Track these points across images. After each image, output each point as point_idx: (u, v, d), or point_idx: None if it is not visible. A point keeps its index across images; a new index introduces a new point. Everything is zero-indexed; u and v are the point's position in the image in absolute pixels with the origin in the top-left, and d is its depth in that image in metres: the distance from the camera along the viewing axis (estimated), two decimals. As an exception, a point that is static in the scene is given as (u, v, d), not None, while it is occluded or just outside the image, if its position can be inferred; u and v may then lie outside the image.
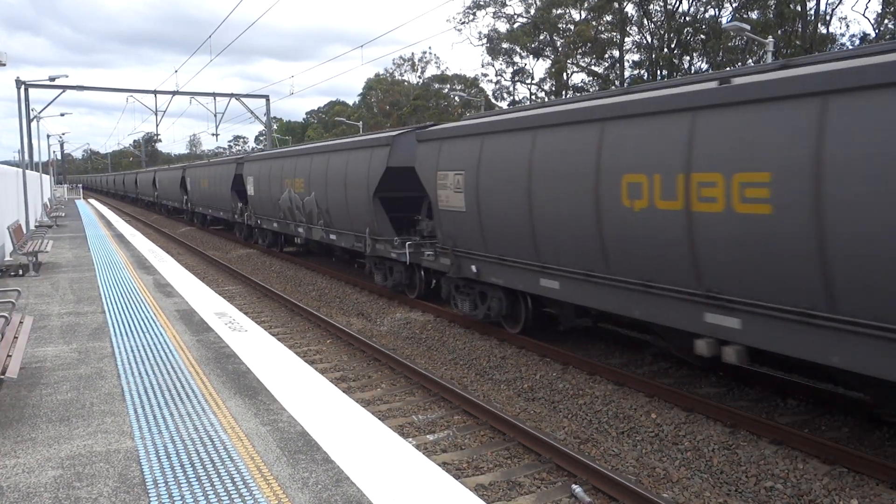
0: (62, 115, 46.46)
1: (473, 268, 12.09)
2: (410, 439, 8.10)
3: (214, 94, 37.96)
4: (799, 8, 41.30)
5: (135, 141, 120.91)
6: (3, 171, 19.21)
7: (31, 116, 32.22)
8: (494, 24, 61.76)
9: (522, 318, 11.74)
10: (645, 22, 50.92)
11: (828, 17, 43.01)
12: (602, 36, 53.14)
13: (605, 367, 9.89)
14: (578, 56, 55.48)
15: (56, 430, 5.52)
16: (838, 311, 6.40)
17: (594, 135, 9.07)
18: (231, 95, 38.28)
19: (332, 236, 18.50)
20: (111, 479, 4.61)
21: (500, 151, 10.93)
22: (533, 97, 62.25)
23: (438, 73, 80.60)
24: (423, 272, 15.06)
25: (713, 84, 7.62)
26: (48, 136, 63.27)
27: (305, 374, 6.98)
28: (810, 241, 6.47)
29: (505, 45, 60.34)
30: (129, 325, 9.29)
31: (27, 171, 25.14)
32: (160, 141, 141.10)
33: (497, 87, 65.82)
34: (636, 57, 53.86)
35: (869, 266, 6.05)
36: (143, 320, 9.62)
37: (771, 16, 42.08)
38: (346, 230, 17.54)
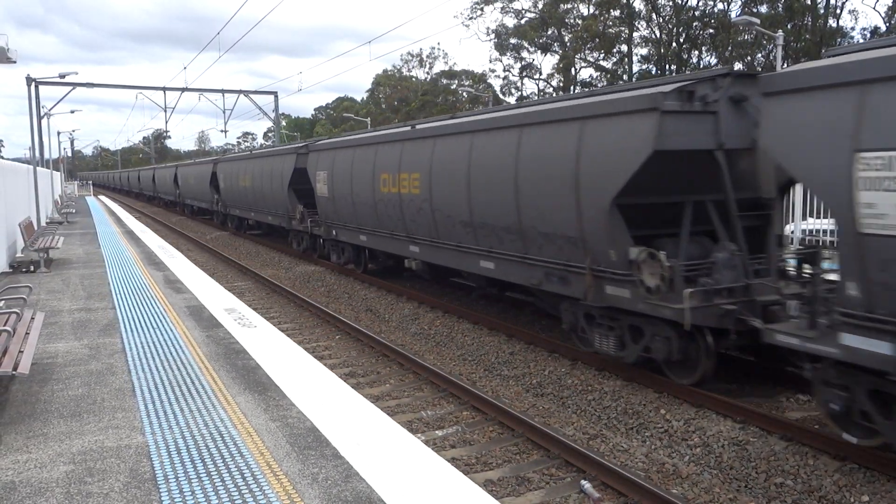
0: (72, 112, 46.75)
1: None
2: (419, 435, 8.11)
3: (223, 91, 38.08)
4: (808, 2, 41.00)
5: (144, 138, 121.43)
6: (14, 168, 19.33)
7: (42, 114, 32.39)
8: (502, 20, 61.69)
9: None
10: (653, 16, 50.68)
11: (838, 11, 42.71)
12: (610, 31, 52.94)
13: (614, 363, 9.87)
14: (586, 51, 55.29)
15: (67, 426, 5.56)
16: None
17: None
18: (240, 92, 38.40)
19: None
20: (122, 474, 4.64)
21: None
22: (541, 92, 62.11)
23: (446, 68, 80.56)
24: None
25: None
26: (58, 133, 63.67)
27: (314, 369, 7.00)
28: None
29: (513, 41, 60.29)
30: (140, 322, 9.34)
31: (38, 168, 25.28)
32: (170, 137, 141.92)
33: (505, 82, 65.80)
34: (644, 51, 53.68)
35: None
36: (153, 316, 9.66)
37: (780, 10, 41.80)
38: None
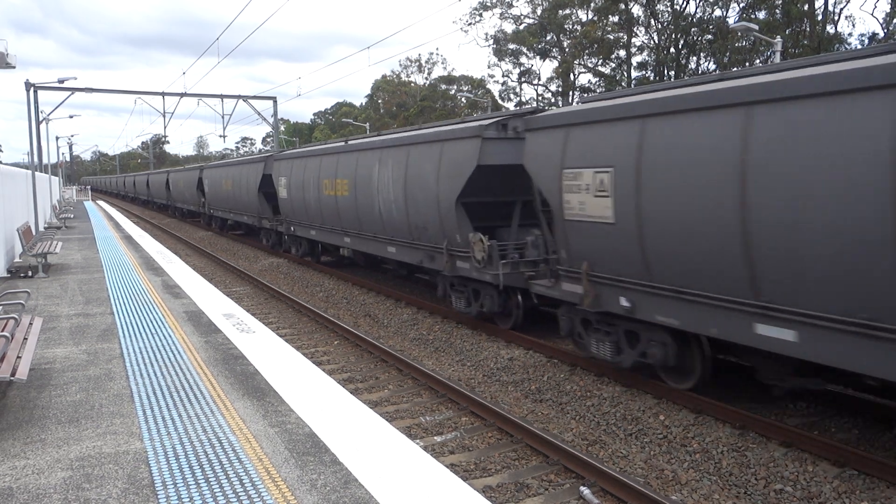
0: (71, 117, 46.77)
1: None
2: (418, 441, 8.09)
3: (222, 96, 38.05)
4: (806, 7, 41.11)
5: (143, 142, 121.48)
6: (13, 173, 19.32)
7: (41, 118, 32.39)
8: (501, 25, 61.82)
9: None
10: (652, 22, 50.80)
11: (835, 17, 42.82)
12: (608, 37, 53.04)
13: (612, 369, 9.86)
14: (585, 57, 55.39)
15: (65, 432, 5.54)
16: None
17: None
18: (238, 97, 38.37)
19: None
20: (120, 480, 4.63)
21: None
22: (540, 98, 62.20)
23: (445, 74, 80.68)
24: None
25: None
26: (57, 138, 63.62)
27: (313, 375, 6.99)
28: None
29: (511, 46, 60.37)
30: (138, 327, 9.32)
31: (36, 173, 25.26)
32: (168, 143, 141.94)
33: (504, 87, 65.91)
34: (643, 57, 53.76)
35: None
36: (151, 322, 9.65)
37: (778, 15, 41.90)
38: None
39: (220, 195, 32.44)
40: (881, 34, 41.52)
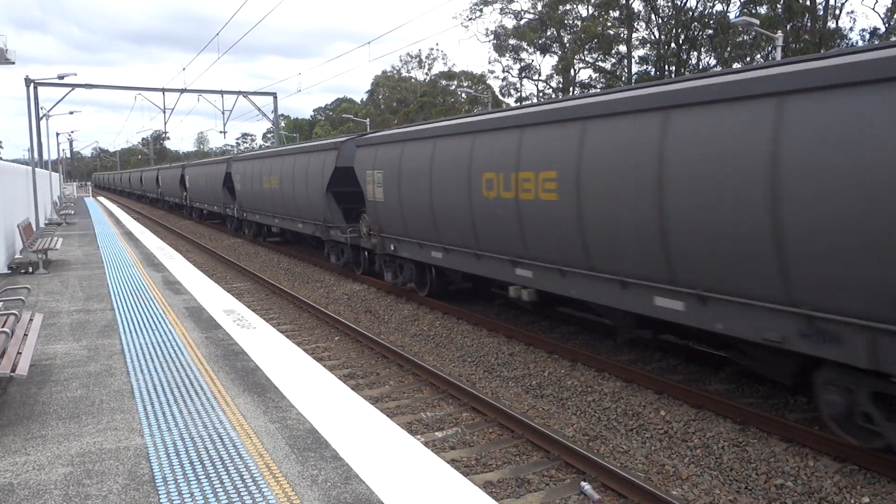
0: (71, 113, 46.73)
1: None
2: (419, 436, 8.09)
3: (222, 92, 38.04)
4: (808, 3, 41.03)
5: (143, 139, 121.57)
6: (13, 170, 19.31)
7: (41, 115, 32.37)
8: (501, 21, 61.75)
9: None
10: (652, 17, 50.72)
11: (837, 12, 42.74)
12: (609, 32, 52.97)
13: (613, 364, 9.86)
14: (585, 52, 55.32)
15: (66, 428, 5.54)
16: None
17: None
18: (239, 93, 38.35)
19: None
20: (121, 476, 4.63)
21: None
22: (540, 94, 62.12)
23: (445, 69, 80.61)
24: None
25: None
26: (57, 135, 63.61)
27: (314, 371, 6.98)
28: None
29: (512, 42, 60.30)
30: (139, 323, 9.32)
31: (37, 170, 25.25)
32: (168, 139, 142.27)
33: (504, 83, 65.83)
34: (643, 52, 53.71)
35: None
36: (152, 318, 9.64)
37: (779, 11, 41.83)
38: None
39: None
40: (882, 29, 41.45)
